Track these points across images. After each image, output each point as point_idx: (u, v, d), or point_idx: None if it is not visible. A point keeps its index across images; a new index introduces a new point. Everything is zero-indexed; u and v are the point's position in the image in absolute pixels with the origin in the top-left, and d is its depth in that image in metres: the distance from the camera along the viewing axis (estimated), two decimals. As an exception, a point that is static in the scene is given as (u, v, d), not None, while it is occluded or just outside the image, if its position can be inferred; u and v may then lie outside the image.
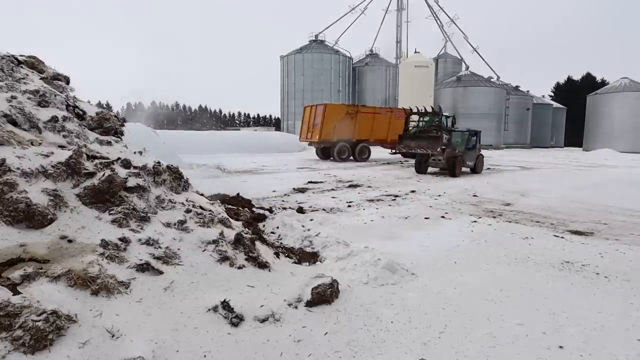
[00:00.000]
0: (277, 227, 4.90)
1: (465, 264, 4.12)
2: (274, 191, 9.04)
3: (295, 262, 3.74)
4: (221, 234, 3.24)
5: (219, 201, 4.17)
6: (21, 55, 4.15)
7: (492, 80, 39.50)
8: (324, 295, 2.95)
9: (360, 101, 38.78)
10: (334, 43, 43.46)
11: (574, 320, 2.89)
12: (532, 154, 30.15)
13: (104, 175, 3.01)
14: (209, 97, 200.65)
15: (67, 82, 4.32)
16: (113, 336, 2.06)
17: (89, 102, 4.34)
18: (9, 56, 3.92)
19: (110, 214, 2.90)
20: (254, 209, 5.54)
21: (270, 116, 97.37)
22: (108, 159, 3.27)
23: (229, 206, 4.99)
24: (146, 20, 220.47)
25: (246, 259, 3.21)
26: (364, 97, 42.09)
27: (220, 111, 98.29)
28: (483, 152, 17.17)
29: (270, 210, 5.78)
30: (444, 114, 15.26)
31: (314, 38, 43.17)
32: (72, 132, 3.50)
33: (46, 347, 1.89)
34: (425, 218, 6.41)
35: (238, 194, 6.49)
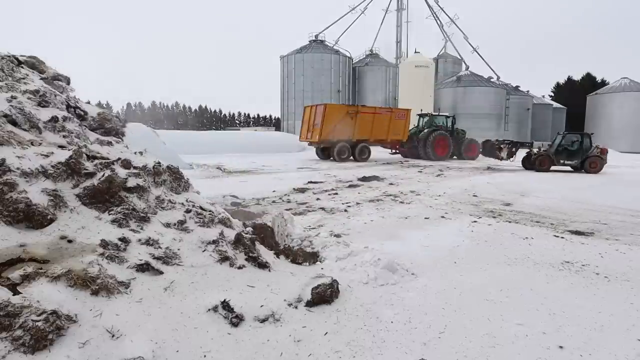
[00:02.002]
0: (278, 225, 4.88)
1: (465, 264, 4.13)
2: (274, 191, 9.04)
3: (295, 262, 3.74)
4: (221, 234, 3.24)
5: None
6: (22, 56, 4.15)
7: (492, 80, 39.51)
8: (324, 295, 2.95)
9: (360, 101, 38.74)
10: (334, 43, 43.47)
11: (574, 320, 2.89)
12: (532, 154, 30.09)
13: (103, 175, 3.01)
14: (208, 97, 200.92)
15: (68, 83, 4.31)
16: (113, 336, 2.06)
17: (88, 102, 4.34)
18: (9, 56, 3.91)
19: (110, 214, 2.90)
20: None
21: (270, 116, 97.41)
22: (108, 159, 3.27)
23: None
24: (146, 20, 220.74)
25: (246, 259, 3.21)
26: (364, 97, 42.04)
27: (220, 111, 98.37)
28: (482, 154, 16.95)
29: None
30: (444, 114, 15.26)
31: (314, 38, 43.15)
32: (72, 133, 3.50)
33: (46, 347, 1.89)
34: (425, 218, 6.42)
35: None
